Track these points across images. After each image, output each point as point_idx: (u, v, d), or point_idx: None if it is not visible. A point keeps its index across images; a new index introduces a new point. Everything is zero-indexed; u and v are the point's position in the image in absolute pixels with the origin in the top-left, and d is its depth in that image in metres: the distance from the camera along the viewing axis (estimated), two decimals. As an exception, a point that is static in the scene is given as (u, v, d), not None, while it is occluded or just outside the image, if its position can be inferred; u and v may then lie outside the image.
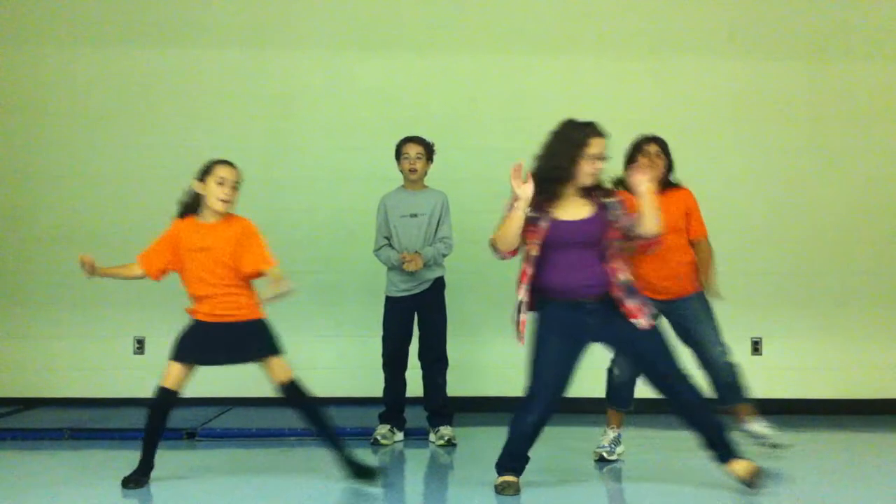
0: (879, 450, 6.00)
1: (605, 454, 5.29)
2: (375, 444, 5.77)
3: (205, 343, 4.57)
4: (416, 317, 5.92)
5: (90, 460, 5.42)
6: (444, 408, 5.90)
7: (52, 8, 7.31)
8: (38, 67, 7.30)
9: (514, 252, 4.50)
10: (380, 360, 5.91)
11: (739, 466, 4.41)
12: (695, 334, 5.26)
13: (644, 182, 4.41)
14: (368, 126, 7.26)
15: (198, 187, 4.63)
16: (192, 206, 4.68)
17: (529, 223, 4.41)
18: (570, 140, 4.47)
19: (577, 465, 5.21)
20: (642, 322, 4.38)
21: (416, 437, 5.96)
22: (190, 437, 5.93)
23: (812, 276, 7.27)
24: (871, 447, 6.08)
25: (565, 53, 7.41)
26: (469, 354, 6.86)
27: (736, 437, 4.65)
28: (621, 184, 5.03)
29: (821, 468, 5.22)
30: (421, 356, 5.94)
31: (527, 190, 4.38)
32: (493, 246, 4.50)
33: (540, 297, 4.48)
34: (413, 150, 5.90)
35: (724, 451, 4.44)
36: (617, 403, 5.35)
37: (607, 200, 4.47)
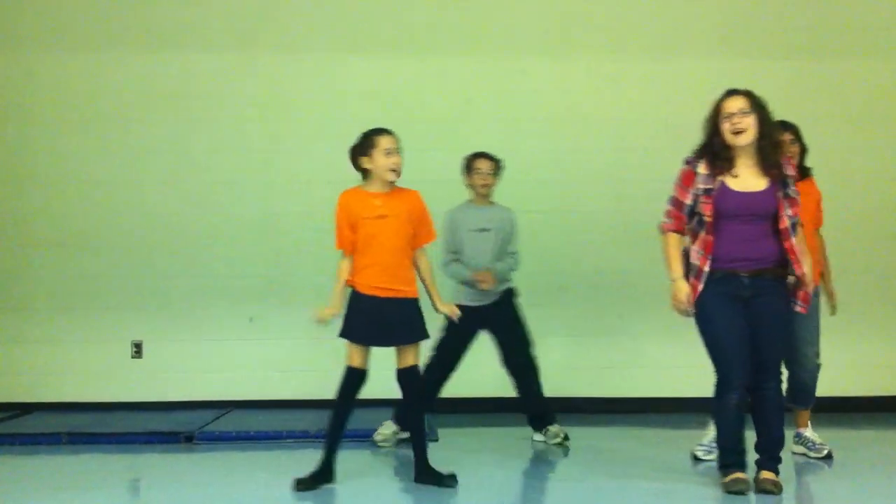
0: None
1: (700, 454, 5.27)
2: (386, 443, 5.79)
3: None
4: (491, 329, 5.90)
5: (88, 465, 5.42)
6: (547, 410, 5.93)
7: (44, 13, 7.29)
8: (31, 72, 7.28)
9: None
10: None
11: (767, 475, 4.44)
12: (798, 328, 5.07)
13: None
14: (365, 128, 7.23)
15: (364, 162, 4.62)
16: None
17: (704, 195, 4.41)
18: (711, 111, 4.52)
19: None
20: (800, 306, 4.42)
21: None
22: (188, 440, 5.92)
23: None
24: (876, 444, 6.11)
25: (558, 55, 7.41)
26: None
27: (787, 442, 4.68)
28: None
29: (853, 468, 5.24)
30: (509, 365, 5.93)
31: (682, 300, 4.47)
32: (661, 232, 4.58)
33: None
34: (486, 166, 5.91)
35: (769, 461, 4.48)
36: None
37: (787, 175, 4.44)
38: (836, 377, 6.31)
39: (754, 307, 4.42)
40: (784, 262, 4.41)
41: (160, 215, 7.26)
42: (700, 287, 4.41)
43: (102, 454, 5.67)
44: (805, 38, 7.45)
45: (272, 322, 7.23)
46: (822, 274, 5.42)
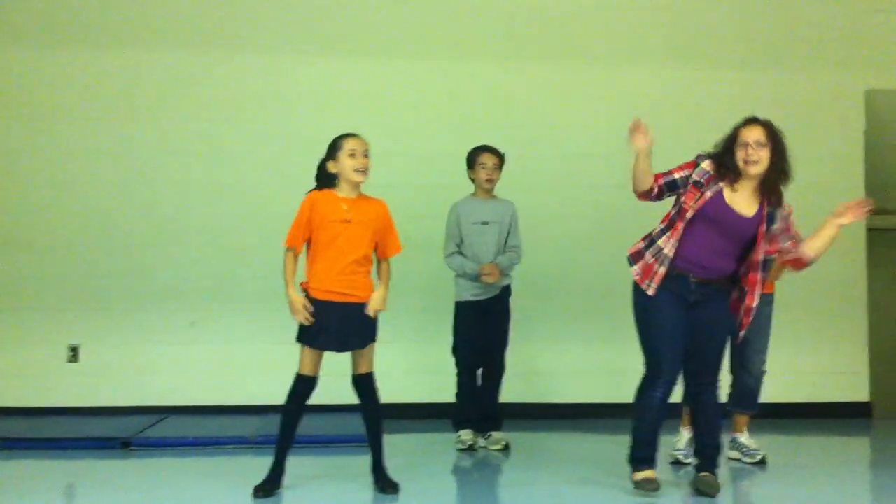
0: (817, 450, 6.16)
1: (681, 457, 5.34)
2: (469, 450, 5.80)
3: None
4: (486, 322, 5.92)
5: (23, 471, 5.32)
6: (497, 414, 5.96)
7: (-11, 10, 7.18)
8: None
9: (648, 195, 4.53)
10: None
11: (710, 479, 4.53)
12: (750, 336, 5.09)
13: (844, 219, 4.49)
14: (314, 130, 7.20)
15: (331, 166, 4.62)
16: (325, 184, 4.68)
17: (694, 185, 4.46)
18: (729, 132, 4.57)
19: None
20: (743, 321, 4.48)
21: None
22: (125, 446, 5.84)
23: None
24: (809, 449, 6.23)
25: (508, 61, 7.46)
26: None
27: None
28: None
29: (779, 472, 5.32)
30: (484, 362, 5.94)
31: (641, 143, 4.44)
32: (634, 187, 4.55)
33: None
34: (490, 160, 5.92)
35: (708, 463, 4.57)
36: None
37: (775, 210, 4.50)
38: (773, 383, 6.43)
39: (697, 312, 4.49)
40: (734, 277, 4.49)
41: (100, 216, 7.16)
42: (661, 271, 4.45)
43: (37, 460, 5.57)
44: (750, 51, 7.60)
45: (214, 326, 7.16)
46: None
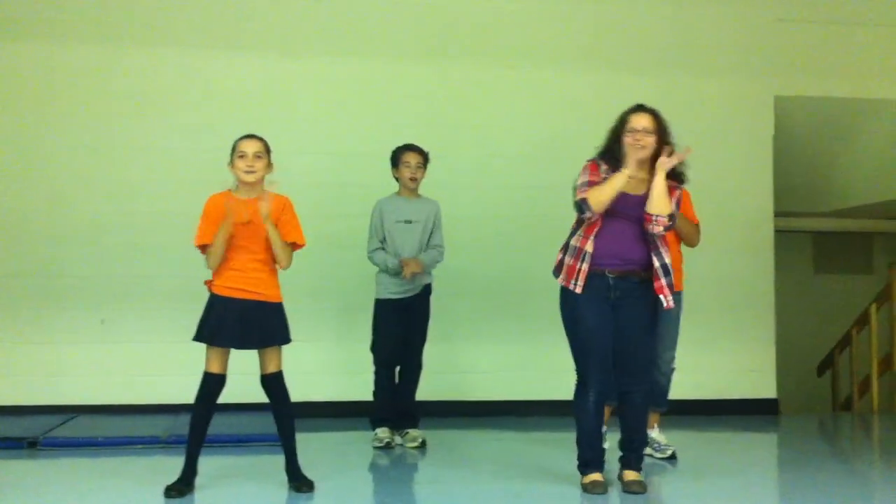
0: (731, 446, 6.30)
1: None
2: (386, 448, 5.76)
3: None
4: (406, 320, 5.89)
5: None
6: (414, 411, 5.96)
7: None
8: None
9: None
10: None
11: (633, 476, 4.60)
12: (659, 331, 5.10)
13: (667, 164, 4.49)
14: (227, 128, 7.09)
15: (230, 169, 4.59)
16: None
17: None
18: (616, 121, 4.65)
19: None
20: (667, 301, 4.51)
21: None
22: (31, 446, 5.69)
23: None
24: (725, 444, 6.38)
25: (431, 60, 7.47)
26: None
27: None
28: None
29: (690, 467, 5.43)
30: (403, 360, 5.93)
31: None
32: (585, 205, 4.49)
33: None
34: (414, 159, 5.90)
35: (632, 458, 4.63)
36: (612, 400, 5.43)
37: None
38: (682, 380, 6.58)
39: (620, 311, 4.56)
40: (649, 263, 4.56)
41: (7, 212, 6.96)
42: (585, 269, 4.50)
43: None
44: (664, 57, 7.73)
45: (125, 324, 7.02)
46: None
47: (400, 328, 5.87)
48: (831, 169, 9.04)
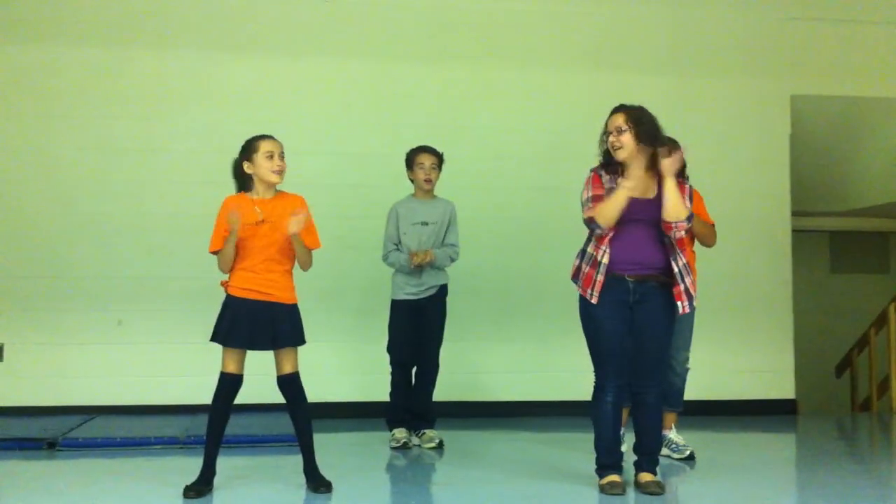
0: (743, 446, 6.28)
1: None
2: (403, 448, 5.78)
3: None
4: (420, 321, 5.89)
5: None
6: (430, 412, 5.96)
7: None
8: None
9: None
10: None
11: (649, 477, 4.58)
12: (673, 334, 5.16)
13: (672, 166, 4.48)
14: (239, 128, 7.11)
15: (247, 167, 4.56)
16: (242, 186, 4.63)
17: (609, 194, 4.50)
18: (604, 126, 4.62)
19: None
20: (683, 306, 4.50)
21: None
22: (51, 447, 5.72)
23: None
24: (736, 445, 6.36)
25: (437, 61, 7.48)
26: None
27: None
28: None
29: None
30: (419, 361, 5.94)
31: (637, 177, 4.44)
32: (593, 222, 4.50)
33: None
34: (429, 161, 5.89)
35: (647, 461, 4.62)
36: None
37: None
38: (700, 381, 6.59)
39: (637, 313, 4.56)
40: (668, 267, 4.55)
41: (21, 214, 7.01)
42: (601, 280, 4.50)
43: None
44: (678, 57, 7.73)
45: (141, 325, 7.05)
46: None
47: (415, 329, 5.87)
48: (848, 168, 9.01)
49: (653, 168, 4.55)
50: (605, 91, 7.50)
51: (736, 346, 7.55)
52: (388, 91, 7.42)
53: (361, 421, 6.65)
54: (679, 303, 4.52)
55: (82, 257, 7.03)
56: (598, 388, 4.60)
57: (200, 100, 7.22)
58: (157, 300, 7.05)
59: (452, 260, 5.97)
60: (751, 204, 7.70)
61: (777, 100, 7.84)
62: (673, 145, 5.45)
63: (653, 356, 4.61)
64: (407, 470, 5.48)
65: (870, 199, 9.13)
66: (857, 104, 8.17)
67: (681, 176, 4.69)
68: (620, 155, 4.53)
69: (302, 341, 4.62)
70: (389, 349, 5.94)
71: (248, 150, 4.58)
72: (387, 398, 5.98)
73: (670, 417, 5.56)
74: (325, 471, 4.63)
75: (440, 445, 5.85)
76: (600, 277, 4.51)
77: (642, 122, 4.54)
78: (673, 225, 4.47)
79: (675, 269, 4.52)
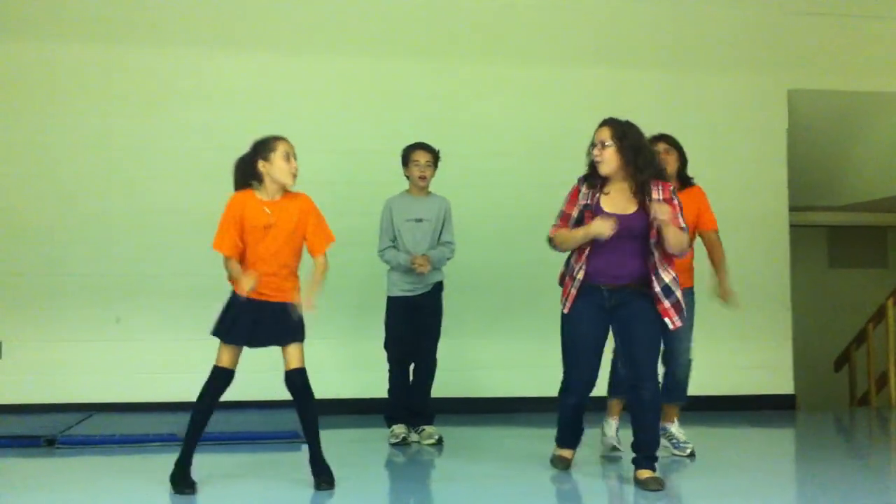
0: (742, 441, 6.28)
1: (615, 444, 5.43)
2: (402, 444, 5.81)
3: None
4: (417, 318, 5.91)
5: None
6: (429, 408, 5.97)
7: None
8: None
9: None
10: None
11: (647, 474, 4.59)
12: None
13: (664, 214, 4.48)
14: (238, 126, 7.13)
15: (261, 166, 4.50)
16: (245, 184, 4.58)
17: (586, 210, 4.62)
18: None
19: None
20: (673, 321, 4.57)
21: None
22: (49, 444, 5.71)
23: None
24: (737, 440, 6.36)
25: (439, 58, 7.48)
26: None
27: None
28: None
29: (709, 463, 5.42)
30: (416, 357, 5.96)
31: (606, 231, 4.49)
32: (551, 243, 4.74)
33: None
34: (424, 158, 5.91)
35: (644, 459, 4.63)
36: (620, 394, 5.43)
37: (653, 199, 4.55)
38: (698, 377, 6.60)
39: (620, 314, 4.61)
40: (647, 279, 4.58)
41: (17, 212, 7.00)
42: (574, 293, 4.64)
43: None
44: (675, 53, 7.73)
45: (140, 322, 7.05)
46: (719, 271, 5.60)
47: (412, 325, 5.88)
48: (845, 163, 9.01)
49: (633, 185, 4.58)
50: (603, 87, 7.57)
51: (734, 341, 7.55)
52: (387, 88, 7.41)
53: (360, 417, 6.66)
54: (667, 319, 4.58)
55: (80, 254, 7.03)
56: (563, 389, 4.81)
57: (199, 97, 7.21)
58: (155, 297, 7.05)
59: (448, 258, 5.98)
60: (748, 199, 7.70)
61: (774, 95, 7.85)
62: (668, 143, 5.48)
63: (644, 353, 4.63)
64: (406, 466, 5.49)
65: (868, 194, 9.13)
66: (854, 99, 8.18)
67: (662, 177, 4.69)
68: (602, 169, 4.62)
69: (300, 337, 4.61)
70: (387, 346, 5.95)
71: (266, 149, 4.52)
72: (385, 395, 5.98)
73: (673, 410, 5.55)
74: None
75: (439, 441, 5.86)
76: (573, 291, 4.66)
77: (626, 138, 4.58)
78: (678, 256, 4.62)
79: (657, 288, 4.56)
